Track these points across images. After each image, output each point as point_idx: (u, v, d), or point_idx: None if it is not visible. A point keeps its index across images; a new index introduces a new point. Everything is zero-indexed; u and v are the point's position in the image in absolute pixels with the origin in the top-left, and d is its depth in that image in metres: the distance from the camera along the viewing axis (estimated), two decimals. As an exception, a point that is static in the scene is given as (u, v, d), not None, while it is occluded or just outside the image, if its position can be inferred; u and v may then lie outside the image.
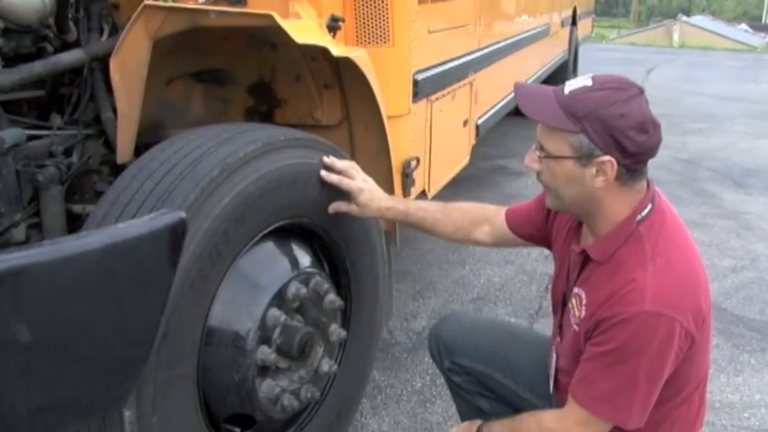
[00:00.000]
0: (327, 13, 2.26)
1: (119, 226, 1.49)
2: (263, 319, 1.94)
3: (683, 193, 6.00)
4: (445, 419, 2.83)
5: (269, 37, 2.25)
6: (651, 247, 1.63)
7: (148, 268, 1.44)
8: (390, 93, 2.49)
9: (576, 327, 1.76)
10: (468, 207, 2.20)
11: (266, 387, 1.99)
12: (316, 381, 2.18)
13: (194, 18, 2.01)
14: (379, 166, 2.40)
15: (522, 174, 6.34)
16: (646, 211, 1.67)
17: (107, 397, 1.51)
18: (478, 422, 1.98)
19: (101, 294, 1.37)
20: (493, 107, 4.51)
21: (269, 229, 1.99)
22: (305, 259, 2.17)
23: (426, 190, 3.10)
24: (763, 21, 38.79)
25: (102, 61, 2.17)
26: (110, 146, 2.24)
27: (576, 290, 1.78)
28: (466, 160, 3.90)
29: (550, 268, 2.07)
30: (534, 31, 5.87)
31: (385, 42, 2.58)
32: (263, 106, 2.57)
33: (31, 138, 2.06)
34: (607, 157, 1.58)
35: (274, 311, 1.97)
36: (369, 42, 2.56)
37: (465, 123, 3.77)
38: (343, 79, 2.39)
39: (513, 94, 5.00)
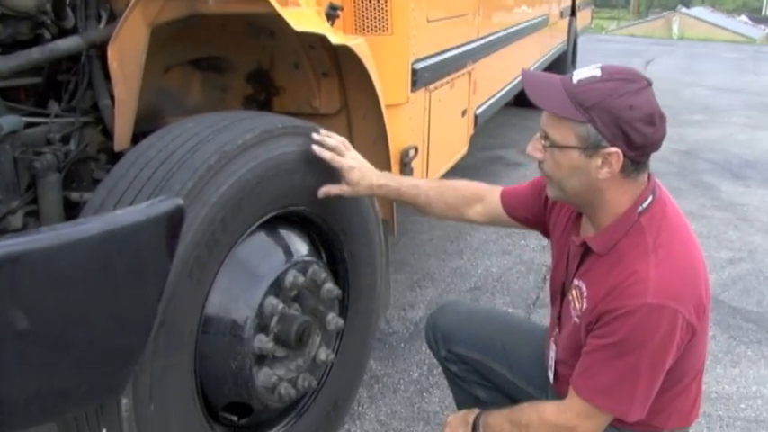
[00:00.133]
0: (326, 2, 2.25)
1: (116, 213, 1.48)
2: (260, 307, 1.94)
3: (681, 185, 6.00)
4: (442, 409, 2.84)
5: (267, 24, 2.24)
6: (653, 239, 1.63)
7: (146, 255, 1.44)
8: (389, 82, 2.48)
9: (576, 319, 1.75)
10: (461, 185, 2.19)
11: (263, 376, 1.99)
12: (313, 370, 2.18)
13: (193, 5, 2.00)
14: (378, 155, 2.40)
15: (519, 164, 6.34)
16: (647, 203, 1.67)
17: (104, 384, 1.51)
18: (476, 411, 1.97)
19: (98, 281, 1.36)
20: (491, 97, 4.51)
21: (266, 218, 1.99)
22: (302, 248, 2.17)
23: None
24: (762, 12, 38.73)
25: (100, 48, 2.16)
26: (107, 133, 2.23)
27: (575, 281, 1.78)
28: (464, 150, 3.90)
29: (548, 259, 2.07)
30: (533, 22, 5.86)
31: (384, 31, 2.57)
32: (262, 94, 2.56)
33: (28, 125, 2.05)
34: (613, 149, 1.58)
35: (272, 300, 1.96)
36: (367, 31, 2.55)
37: (463, 113, 3.76)
38: (342, 68, 2.38)
39: (511, 85, 5.06)
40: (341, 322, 2.23)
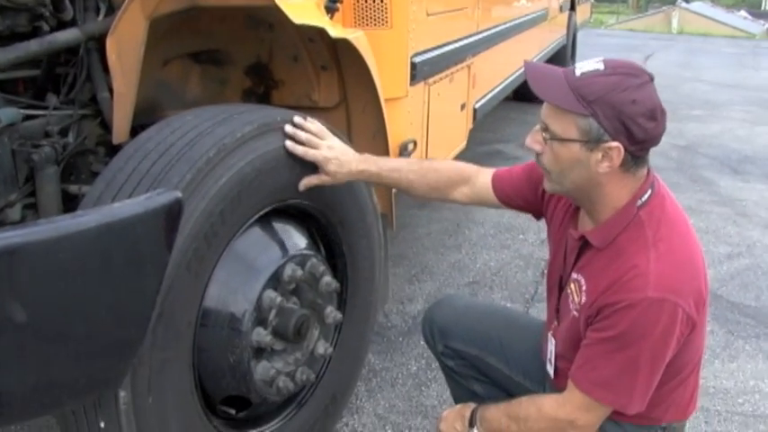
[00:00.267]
0: (326, -6, 2.24)
1: (114, 205, 1.48)
2: (258, 300, 1.94)
3: (680, 180, 6.00)
4: (440, 403, 2.84)
5: (267, 17, 2.24)
6: (653, 234, 1.63)
7: (144, 248, 1.44)
8: (388, 75, 2.48)
9: (575, 312, 1.75)
10: (444, 167, 2.16)
11: (261, 369, 1.99)
12: (311, 363, 2.18)
13: (191, -3, 1.99)
14: (376, 149, 2.39)
15: (518, 159, 6.33)
16: (646, 197, 1.67)
17: (102, 377, 1.51)
18: (472, 405, 1.97)
19: (96, 274, 1.36)
20: (490, 91, 4.50)
21: (265, 211, 1.99)
22: (301, 241, 2.17)
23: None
24: (762, 8, 38.66)
25: (99, 41, 2.15)
26: (106, 126, 2.22)
27: (574, 275, 1.78)
28: (463, 144, 3.90)
29: (547, 253, 2.06)
30: (533, 16, 5.85)
31: (383, 24, 2.56)
32: (261, 87, 2.55)
33: (26, 117, 2.04)
34: (615, 143, 1.57)
35: (270, 293, 1.96)
36: (367, 24, 2.55)
37: (462, 107, 3.76)
38: (341, 61, 2.38)
39: (511, 79, 5.05)
40: (339, 316, 2.23)
